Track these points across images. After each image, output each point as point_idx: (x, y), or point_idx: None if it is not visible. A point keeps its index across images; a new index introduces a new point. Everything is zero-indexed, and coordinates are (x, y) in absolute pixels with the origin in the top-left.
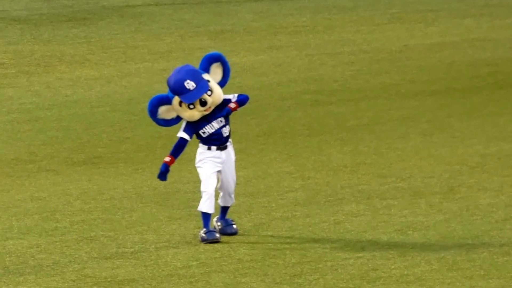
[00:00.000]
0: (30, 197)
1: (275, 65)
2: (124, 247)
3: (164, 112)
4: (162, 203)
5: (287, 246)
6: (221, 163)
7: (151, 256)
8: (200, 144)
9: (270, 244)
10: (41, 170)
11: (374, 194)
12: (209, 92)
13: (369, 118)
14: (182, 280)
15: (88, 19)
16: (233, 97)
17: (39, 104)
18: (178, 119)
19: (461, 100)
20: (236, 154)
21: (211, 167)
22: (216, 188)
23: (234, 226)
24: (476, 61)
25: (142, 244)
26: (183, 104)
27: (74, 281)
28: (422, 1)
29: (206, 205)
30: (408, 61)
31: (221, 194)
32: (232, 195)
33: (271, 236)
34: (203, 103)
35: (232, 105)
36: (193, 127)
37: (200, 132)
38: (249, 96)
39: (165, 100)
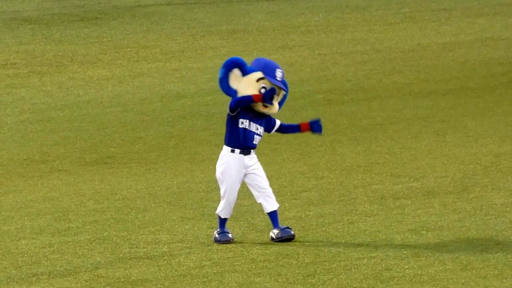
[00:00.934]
0: (42, 197)
1: (287, 65)
2: (137, 247)
3: (234, 76)
4: (175, 203)
5: (300, 246)
6: (245, 168)
7: (164, 256)
8: (224, 146)
9: (283, 244)
10: (54, 170)
11: (387, 193)
12: (277, 98)
13: (382, 118)
14: (195, 280)
15: (100, 19)
16: (278, 121)
17: (51, 104)
18: (234, 92)
19: (474, 99)
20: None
21: (234, 173)
22: (255, 198)
23: (291, 231)
24: (490, 60)
25: (155, 244)
26: (259, 82)
27: (87, 281)
28: (435, 0)
29: (225, 211)
30: (421, 60)
31: (260, 201)
32: (272, 198)
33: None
34: (271, 99)
35: (300, 128)
36: (240, 110)
37: (240, 120)
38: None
39: (244, 68)
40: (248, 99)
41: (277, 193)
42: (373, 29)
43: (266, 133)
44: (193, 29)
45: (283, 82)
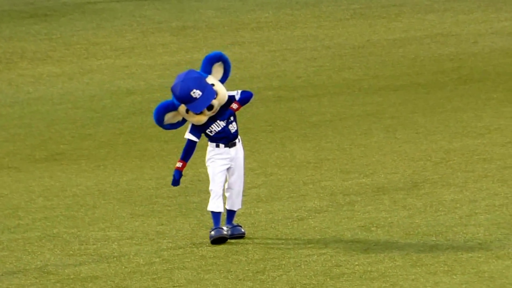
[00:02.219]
0: None
1: (237, 61)
2: (86, 244)
3: (170, 118)
4: (125, 199)
5: (250, 242)
6: (231, 160)
7: (113, 253)
8: (209, 143)
9: (233, 241)
10: (3, 167)
11: (337, 190)
12: (214, 96)
13: (332, 114)
14: (145, 277)
15: (49, 16)
16: (236, 93)
17: (0, 101)
18: (184, 121)
19: (424, 95)
20: (198, 150)
21: (219, 166)
22: (225, 188)
23: (242, 229)
24: (440, 56)
25: (105, 241)
26: (190, 111)
27: (36, 278)
28: None
29: (213, 204)
30: (371, 57)
31: (227, 195)
32: (240, 197)
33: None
34: (210, 107)
35: (234, 106)
36: (200, 128)
37: (207, 131)
38: (253, 93)
39: (171, 108)
40: (177, 177)
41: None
42: (323, 25)
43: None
44: (143, 25)
45: (210, 59)
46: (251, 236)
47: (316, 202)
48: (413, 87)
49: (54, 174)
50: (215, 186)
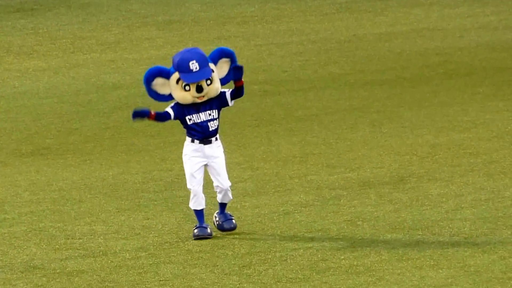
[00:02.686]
0: None
1: None
2: (73, 238)
3: (159, 84)
4: (111, 194)
5: (236, 236)
6: (205, 157)
7: (100, 247)
8: (186, 137)
9: (219, 235)
10: None
11: (323, 184)
12: (208, 81)
13: (317, 108)
14: (131, 271)
15: (35, 10)
16: (228, 91)
17: None
18: (169, 97)
19: (410, 90)
20: (178, 148)
21: (194, 163)
22: (214, 186)
23: (233, 221)
24: (426, 50)
25: (91, 235)
26: (179, 83)
27: (22, 272)
28: None
29: (193, 202)
30: (357, 51)
31: (217, 190)
32: (229, 192)
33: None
34: (199, 89)
35: (240, 83)
36: (181, 110)
37: (187, 118)
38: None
39: (164, 73)
40: (151, 119)
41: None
42: (308, 19)
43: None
44: (129, 20)
45: (218, 53)
46: (237, 231)
47: (302, 197)
48: (399, 81)
49: (40, 168)
50: (194, 185)
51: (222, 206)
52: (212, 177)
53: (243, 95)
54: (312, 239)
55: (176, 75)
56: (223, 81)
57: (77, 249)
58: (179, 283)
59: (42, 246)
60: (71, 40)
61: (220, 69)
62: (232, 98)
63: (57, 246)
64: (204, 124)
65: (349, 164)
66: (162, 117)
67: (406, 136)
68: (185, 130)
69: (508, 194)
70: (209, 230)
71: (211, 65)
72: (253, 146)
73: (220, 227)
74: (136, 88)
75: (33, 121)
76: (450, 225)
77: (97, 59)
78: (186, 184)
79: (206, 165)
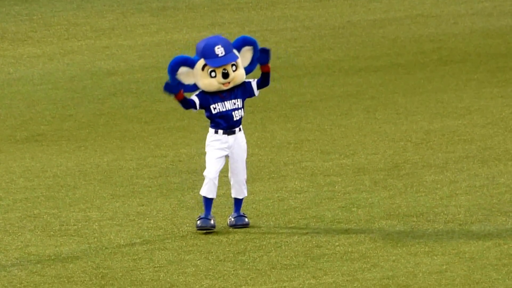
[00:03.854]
0: None
1: None
2: (67, 225)
3: (183, 73)
4: (105, 180)
5: None
6: (228, 148)
7: (94, 233)
8: (209, 128)
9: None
10: None
11: (317, 170)
12: (233, 67)
13: (312, 95)
14: (125, 258)
15: None
16: (253, 80)
17: None
18: (193, 87)
19: (405, 76)
20: (179, 131)
21: (216, 152)
22: (229, 177)
23: (246, 219)
24: (420, 37)
25: (86, 221)
26: (205, 69)
27: (17, 258)
28: None
29: (206, 188)
30: (351, 37)
31: (231, 183)
32: (243, 186)
33: (214, 213)
34: (225, 75)
35: (267, 67)
36: (206, 98)
37: (212, 107)
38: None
39: (189, 62)
40: (179, 101)
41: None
42: (303, 6)
43: (250, 98)
44: (123, 6)
45: (241, 42)
46: None
47: (296, 183)
48: (393, 67)
49: (35, 155)
50: (210, 173)
51: (236, 202)
52: (230, 167)
53: (269, 84)
54: (306, 226)
55: (201, 62)
56: (247, 70)
57: (72, 236)
58: (173, 269)
59: (37, 232)
60: (66, 27)
61: (243, 58)
62: (258, 88)
63: (51, 233)
64: (229, 113)
65: (344, 151)
66: (187, 102)
67: (401, 123)
68: (203, 121)
69: (502, 181)
70: (212, 222)
71: (235, 51)
72: (247, 132)
73: (232, 224)
74: (131, 74)
75: (28, 108)
76: (445, 212)
77: (91, 46)
78: (180, 171)
79: (227, 156)
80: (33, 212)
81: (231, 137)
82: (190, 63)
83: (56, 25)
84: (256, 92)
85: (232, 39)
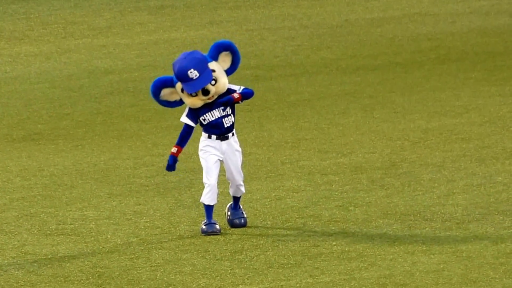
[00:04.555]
0: None
1: (215, 40)
2: (64, 224)
3: (167, 94)
4: (102, 179)
5: (227, 222)
6: (222, 153)
7: (91, 232)
8: (202, 132)
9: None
10: None
11: (315, 169)
12: (213, 82)
13: (309, 94)
14: (122, 257)
15: None
16: (238, 88)
17: None
18: (181, 102)
19: (402, 75)
20: (177, 130)
21: (212, 157)
22: (226, 178)
23: (244, 218)
24: (418, 35)
25: (82, 220)
26: (185, 91)
27: (14, 258)
28: None
29: (208, 197)
30: (349, 36)
31: (230, 184)
32: (241, 187)
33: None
34: (206, 92)
35: (236, 95)
36: (195, 113)
37: (201, 119)
38: (254, 91)
39: (169, 83)
40: (170, 162)
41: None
42: (301, 4)
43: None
44: (120, 4)
45: (218, 47)
46: None
47: (294, 182)
48: (391, 66)
49: (32, 153)
50: (210, 180)
51: (235, 200)
52: (226, 171)
53: (253, 95)
54: (304, 225)
55: (179, 85)
56: (228, 72)
57: (69, 235)
58: (170, 268)
59: (34, 231)
60: (63, 25)
61: (223, 62)
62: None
63: (48, 232)
64: (219, 121)
65: (341, 149)
66: (186, 135)
67: (398, 121)
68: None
69: (500, 179)
70: (218, 227)
71: (211, 65)
72: (245, 131)
73: (231, 222)
74: (128, 73)
75: (25, 106)
76: (442, 211)
77: (88, 44)
78: (177, 169)
79: (221, 161)
80: (30, 211)
81: (224, 143)
82: (170, 84)
83: (53, 23)
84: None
85: (230, 38)
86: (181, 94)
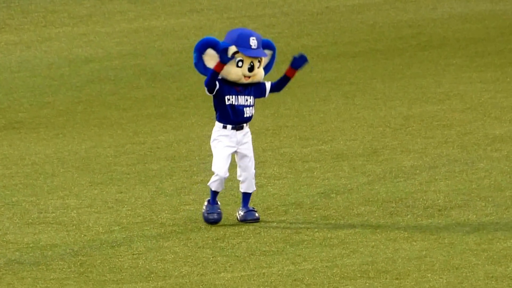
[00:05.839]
0: None
1: (196, 28)
2: (46, 212)
3: (209, 56)
4: (83, 167)
5: None
6: (237, 143)
7: (73, 221)
8: (216, 122)
9: (192, 208)
10: None
11: (296, 157)
12: (258, 64)
13: (290, 81)
14: (104, 245)
15: None
16: (267, 82)
17: None
18: (210, 73)
19: (383, 61)
20: (158, 118)
21: (226, 150)
22: (237, 176)
23: (256, 213)
24: (399, 22)
25: (64, 209)
26: (235, 56)
27: None
28: None
29: (215, 184)
30: (329, 23)
31: (241, 179)
32: (253, 181)
33: (193, 200)
34: (251, 68)
35: (290, 73)
36: (224, 86)
37: (226, 97)
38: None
39: (218, 46)
40: (213, 73)
41: (186, 158)
42: None
43: (260, 98)
44: None
45: (265, 43)
46: None
47: (275, 169)
48: (371, 53)
49: (13, 142)
50: (221, 172)
51: (245, 197)
52: (238, 164)
53: (280, 91)
54: (285, 212)
55: (232, 48)
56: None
57: (50, 223)
58: (152, 256)
59: (15, 220)
60: (43, 14)
61: (264, 58)
62: (271, 91)
63: (30, 220)
64: (240, 108)
65: (322, 137)
66: (215, 79)
67: (379, 108)
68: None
69: (482, 166)
70: (217, 215)
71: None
72: None
73: (243, 219)
74: (109, 61)
75: (5, 95)
76: (424, 197)
77: (69, 33)
78: (158, 157)
79: (235, 152)
80: (11, 200)
81: (239, 132)
82: (217, 47)
83: (34, 12)
84: (267, 94)
85: (210, 26)
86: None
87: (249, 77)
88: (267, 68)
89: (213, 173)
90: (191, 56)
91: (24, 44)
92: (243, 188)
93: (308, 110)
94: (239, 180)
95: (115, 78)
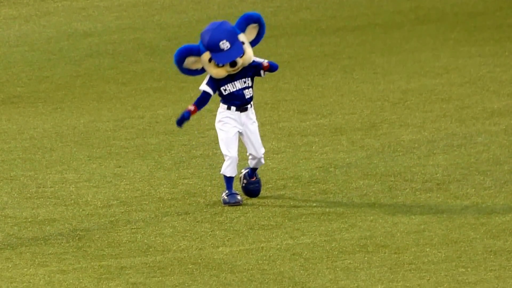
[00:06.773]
0: None
1: (194, 2)
2: (44, 187)
3: (190, 63)
4: (82, 142)
5: (208, 184)
6: (241, 124)
7: (71, 195)
8: (221, 104)
9: (191, 183)
10: None
11: (295, 131)
12: (241, 53)
13: (289, 55)
14: (102, 220)
15: None
16: (263, 61)
17: None
18: (202, 70)
19: (382, 35)
20: (156, 92)
21: (233, 129)
22: (247, 154)
23: (260, 185)
24: None
25: (62, 183)
26: (212, 61)
27: None
28: None
29: (229, 169)
30: None
31: (250, 156)
32: (262, 159)
33: (192, 174)
34: (233, 64)
35: (265, 63)
36: (216, 83)
37: (222, 89)
38: (279, 66)
39: (195, 52)
40: (186, 116)
41: (184, 132)
42: None
43: (259, 77)
44: None
45: (249, 18)
46: (209, 178)
47: (274, 143)
48: (370, 27)
49: (11, 117)
50: (231, 152)
51: (254, 169)
52: (246, 145)
53: (278, 69)
54: (284, 186)
55: (207, 55)
56: (252, 44)
57: (49, 198)
58: (150, 230)
59: (14, 195)
60: None
61: (249, 34)
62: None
63: (28, 195)
64: (240, 93)
65: (321, 111)
66: (203, 101)
67: (378, 82)
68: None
69: (480, 140)
70: (239, 197)
71: (240, 36)
72: None
73: (245, 189)
74: (107, 35)
75: (4, 70)
76: (423, 171)
77: (68, 7)
78: (157, 132)
79: (240, 133)
80: (10, 174)
81: (243, 114)
82: (196, 53)
83: None
84: (263, 74)
85: (208, 1)
86: (206, 63)
87: (237, 69)
88: (254, 42)
89: (223, 160)
90: (190, 31)
91: (23, 18)
92: (252, 164)
93: (307, 84)
94: (248, 156)
95: (114, 52)
